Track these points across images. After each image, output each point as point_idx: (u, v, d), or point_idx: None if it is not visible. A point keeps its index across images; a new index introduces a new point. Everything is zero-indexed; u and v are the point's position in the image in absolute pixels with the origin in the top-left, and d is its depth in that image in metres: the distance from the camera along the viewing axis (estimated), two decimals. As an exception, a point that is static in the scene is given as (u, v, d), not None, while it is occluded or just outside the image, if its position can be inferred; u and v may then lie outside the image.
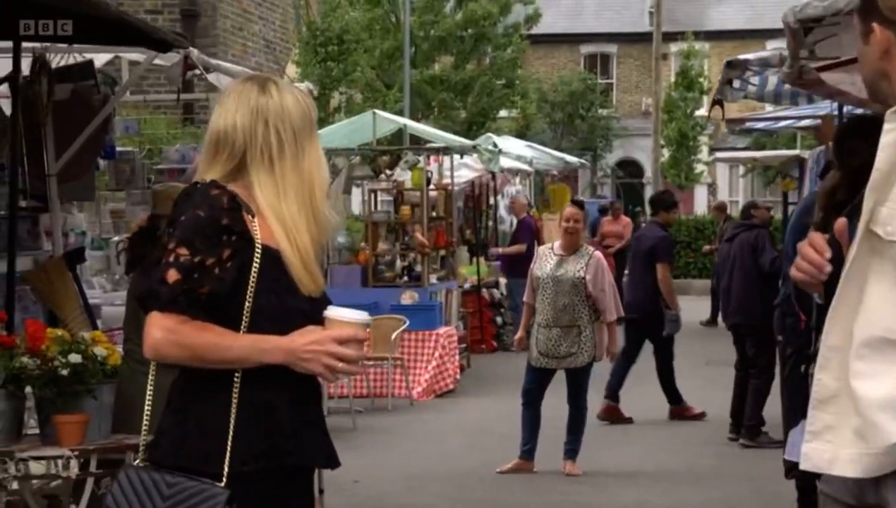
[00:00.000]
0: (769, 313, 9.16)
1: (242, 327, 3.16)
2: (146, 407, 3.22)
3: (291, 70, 20.16)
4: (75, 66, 8.11)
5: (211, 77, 7.87)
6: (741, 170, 37.03)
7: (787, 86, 8.16)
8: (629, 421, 12.36)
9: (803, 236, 3.19)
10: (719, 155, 33.01)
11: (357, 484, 9.67)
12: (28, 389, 5.49)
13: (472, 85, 29.34)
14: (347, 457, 10.76)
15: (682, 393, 12.71)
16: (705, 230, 29.29)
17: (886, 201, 2.86)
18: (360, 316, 3.21)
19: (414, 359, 14.27)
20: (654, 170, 35.68)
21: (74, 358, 5.42)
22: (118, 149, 10.26)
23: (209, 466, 3.10)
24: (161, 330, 3.10)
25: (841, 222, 3.03)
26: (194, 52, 7.32)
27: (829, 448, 2.98)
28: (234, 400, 3.13)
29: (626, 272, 24.49)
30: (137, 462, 3.23)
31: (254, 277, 3.16)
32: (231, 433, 3.11)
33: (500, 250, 19.85)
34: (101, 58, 8.77)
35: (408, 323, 13.81)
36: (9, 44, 6.95)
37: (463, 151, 16.72)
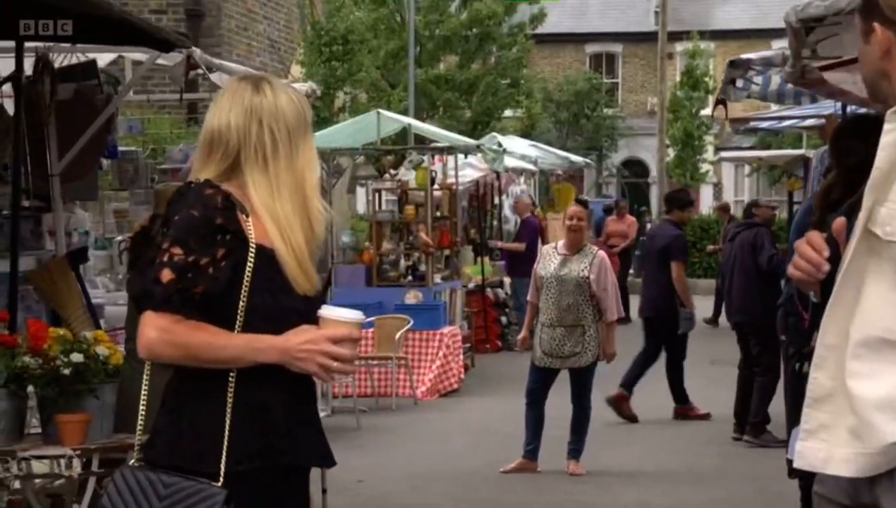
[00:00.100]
0: (771, 311, 9.16)
1: (237, 326, 3.16)
2: (141, 407, 3.23)
3: (296, 70, 20.16)
4: (78, 66, 8.11)
5: (214, 77, 7.88)
6: (746, 169, 37.02)
7: (790, 86, 8.14)
8: (633, 418, 12.36)
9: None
10: (724, 154, 32.94)
11: (361, 484, 9.67)
12: (30, 388, 5.49)
13: (477, 84, 29.31)
14: (351, 457, 10.82)
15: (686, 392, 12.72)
16: (710, 230, 29.26)
17: (885, 201, 2.86)
18: (355, 315, 3.21)
19: (418, 359, 14.27)
20: (660, 169, 35.64)
21: (76, 357, 5.42)
22: (122, 148, 10.26)
23: (204, 466, 3.10)
24: (155, 329, 3.10)
25: (839, 221, 3.02)
26: (197, 52, 7.32)
27: (823, 447, 2.99)
28: (229, 400, 3.14)
29: (632, 271, 24.66)
30: (133, 462, 3.23)
31: (248, 276, 3.16)
32: (226, 432, 3.11)
33: (500, 243, 19.84)
34: (104, 57, 8.78)
35: (412, 322, 13.81)
36: (11, 43, 6.95)
37: (467, 151, 16.72)
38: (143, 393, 3.23)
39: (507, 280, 18.96)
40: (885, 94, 3.00)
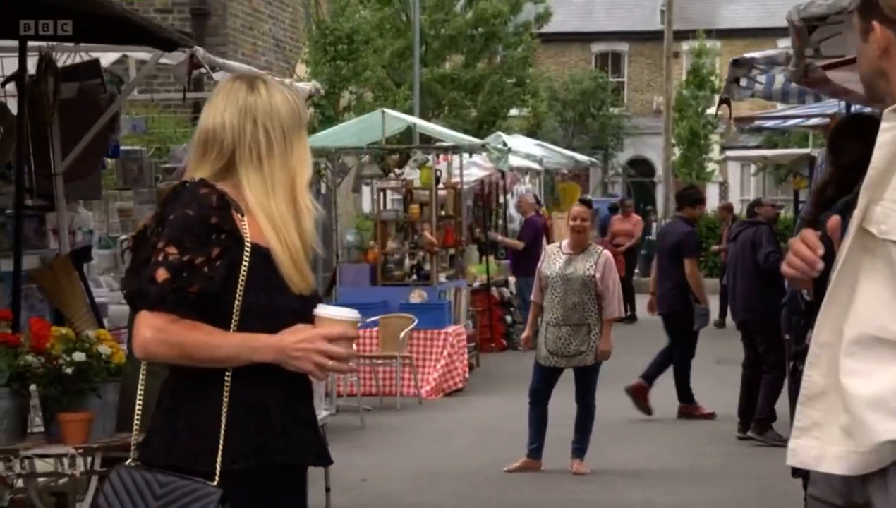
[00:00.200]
0: (774, 309, 9.15)
1: (232, 326, 3.16)
2: (137, 406, 3.23)
3: (301, 69, 20.17)
4: (81, 65, 8.11)
5: (217, 76, 7.86)
6: (752, 168, 36.97)
7: (794, 85, 8.13)
8: (648, 411, 12.38)
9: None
10: (730, 153, 32.93)
11: (365, 483, 9.68)
12: (33, 387, 5.49)
13: (483, 84, 29.30)
14: (356, 456, 10.80)
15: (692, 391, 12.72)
16: (716, 229, 29.25)
17: (881, 200, 2.86)
18: (351, 314, 3.21)
19: (423, 358, 14.27)
20: (665, 168, 35.63)
21: (79, 356, 5.42)
22: (126, 148, 10.27)
23: (200, 465, 3.10)
24: (150, 329, 3.10)
25: (833, 220, 3.02)
26: (200, 51, 7.31)
27: (816, 444, 2.99)
28: (225, 399, 3.13)
29: (637, 270, 24.64)
30: (129, 461, 3.22)
31: (243, 275, 3.16)
32: (222, 431, 3.11)
33: (499, 237, 19.82)
34: (109, 57, 8.78)
35: (416, 321, 13.81)
36: (14, 42, 6.96)
37: (472, 150, 16.71)
38: (139, 392, 3.23)
39: (511, 279, 18.95)
40: (883, 94, 3.00)
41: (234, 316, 3.16)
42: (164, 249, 3.11)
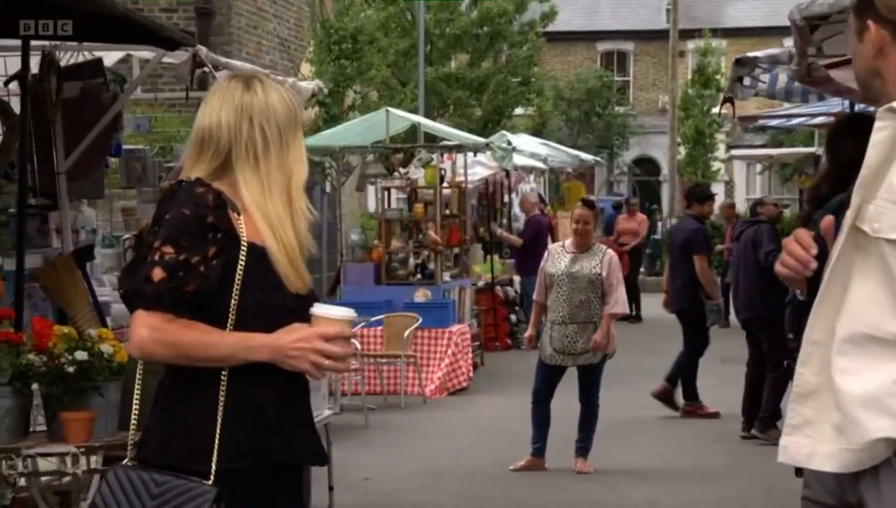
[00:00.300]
0: (778, 307, 9.16)
1: (229, 325, 3.15)
2: (134, 406, 3.23)
3: (306, 68, 20.17)
4: (84, 64, 8.12)
5: (220, 75, 7.86)
6: (758, 167, 36.94)
7: (797, 84, 8.12)
8: (677, 408, 12.42)
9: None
10: (735, 152, 32.90)
11: (368, 482, 9.68)
12: (35, 386, 5.49)
13: (488, 82, 29.28)
14: (360, 454, 10.80)
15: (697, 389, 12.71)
16: (720, 228, 29.26)
17: (874, 198, 2.86)
18: (347, 313, 3.21)
19: (427, 357, 14.27)
20: (671, 167, 35.61)
21: (81, 355, 5.42)
22: (130, 147, 10.29)
23: (196, 464, 3.10)
24: (147, 328, 3.09)
25: (827, 219, 3.03)
26: (203, 50, 7.32)
27: (807, 442, 3.00)
28: (221, 398, 3.13)
29: (643, 269, 24.63)
30: (126, 461, 3.22)
31: (240, 275, 3.15)
32: (218, 430, 3.11)
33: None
34: (113, 56, 8.79)
35: (421, 320, 13.81)
36: (17, 42, 6.96)
37: (476, 149, 16.70)
38: (136, 390, 3.23)
39: (516, 278, 18.95)
40: (878, 93, 3.00)
41: (230, 316, 3.15)
42: (160, 248, 3.11)
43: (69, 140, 7.94)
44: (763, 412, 11.10)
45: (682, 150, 35.51)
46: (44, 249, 7.91)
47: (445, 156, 17.02)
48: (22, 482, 5.79)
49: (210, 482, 3.08)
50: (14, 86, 7.67)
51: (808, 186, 5.62)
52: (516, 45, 30.64)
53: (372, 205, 22.57)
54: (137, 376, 3.25)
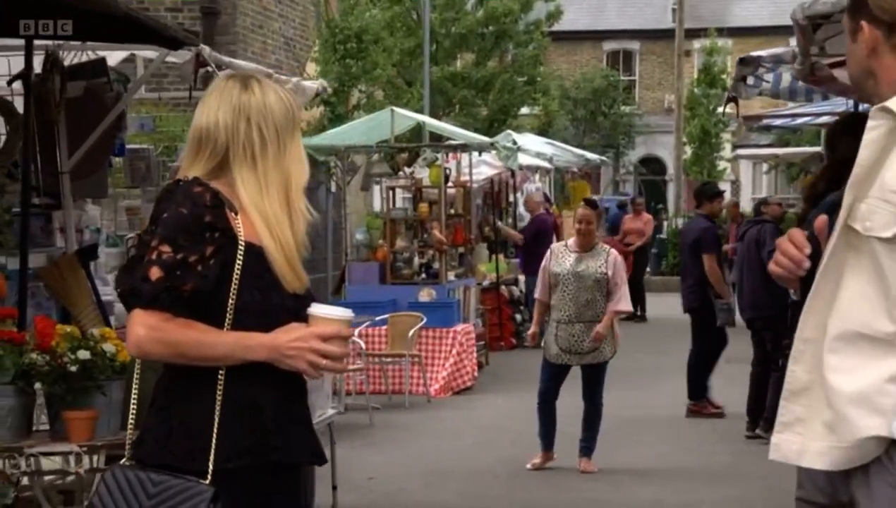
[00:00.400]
0: (782, 306, 9.14)
1: (226, 324, 3.15)
2: (132, 405, 3.23)
3: (311, 67, 20.18)
4: (88, 64, 8.13)
5: (223, 74, 7.88)
6: (764, 167, 36.92)
7: (801, 83, 8.12)
8: (720, 411, 12.42)
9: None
10: (741, 152, 32.90)
11: (372, 481, 9.68)
12: (37, 385, 5.49)
13: (494, 82, 29.29)
14: (364, 454, 10.78)
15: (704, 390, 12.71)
16: (723, 226, 29.26)
17: (866, 197, 2.87)
18: (344, 313, 3.21)
19: (431, 356, 14.27)
20: (677, 167, 35.60)
21: (83, 354, 5.42)
22: (134, 146, 10.29)
23: (194, 463, 3.09)
24: (144, 327, 3.09)
25: (820, 219, 3.03)
26: (206, 50, 7.32)
27: (798, 439, 3.01)
28: (219, 398, 3.13)
29: (649, 269, 24.60)
30: (123, 460, 3.22)
31: (237, 274, 3.15)
32: (215, 430, 3.11)
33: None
34: (117, 56, 8.80)
35: (425, 320, 13.81)
36: (20, 41, 6.97)
37: (481, 148, 16.70)
38: (133, 390, 3.24)
39: (521, 278, 18.94)
40: (871, 93, 3.01)
41: (227, 315, 3.15)
42: (157, 247, 3.11)
43: (73, 139, 7.95)
44: (768, 411, 11.09)
45: (688, 150, 35.51)
46: (47, 248, 7.92)
47: (450, 155, 17.02)
48: (25, 481, 5.80)
49: (207, 481, 3.08)
50: (18, 85, 7.68)
51: (805, 184, 5.63)
52: (522, 44, 30.64)
53: (377, 205, 22.57)
54: (135, 375, 3.26)
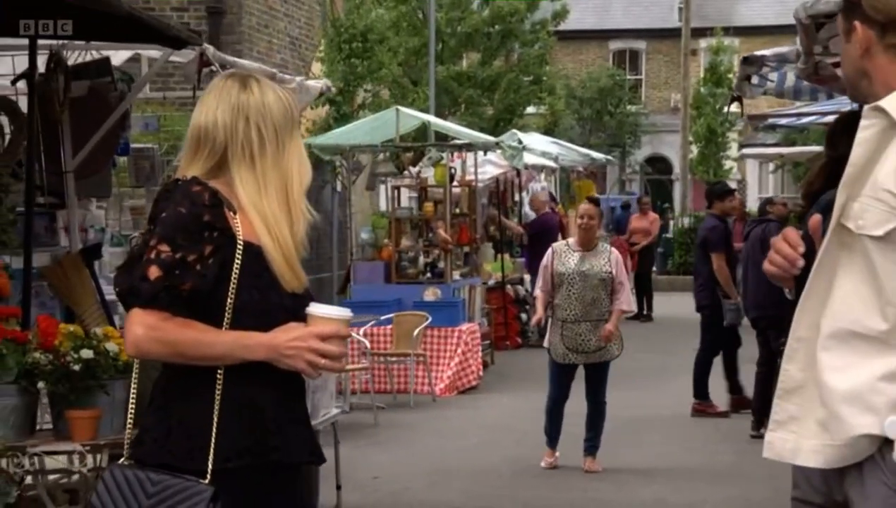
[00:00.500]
0: (787, 306, 9.12)
1: (225, 324, 3.15)
2: (130, 405, 3.23)
3: (317, 67, 20.18)
4: (92, 63, 8.14)
5: (228, 74, 7.88)
6: (771, 166, 36.86)
7: (805, 82, 8.11)
8: (742, 406, 12.42)
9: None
10: (747, 151, 32.84)
11: (377, 480, 9.68)
12: (41, 384, 5.50)
13: (499, 81, 29.27)
14: (369, 453, 10.78)
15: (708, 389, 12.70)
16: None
17: (859, 196, 2.87)
18: (343, 312, 3.21)
19: (436, 356, 14.27)
20: (683, 166, 35.57)
21: (86, 353, 5.43)
22: (138, 145, 10.31)
23: (193, 463, 3.09)
24: (142, 326, 3.09)
25: (815, 218, 3.05)
26: (210, 49, 7.33)
27: (792, 438, 3.02)
28: (217, 397, 3.13)
29: (655, 268, 24.58)
30: (122, 460, 3.22)
31: (236, 273, 3.15)
32: (214, 429, 3.11)
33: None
34: (122, 55, 8.81)
35: (430, 319, 13.82)
36: (24, 41, 6.98)
37: (486, 148, 16.70)
38: (132, 389, 3.24)
39: (526, 277, 18.94)
40: (865, 94, 3.01)
41: (226, 314, 3.15)
42: (156, 247, 3.11)
43: (76, 139, 7.96)
44: (772, 411, 11.08)
45: (695, 149, 35.47)
46: (52, 248, 7.93)
47: (455, 154, 17.01)
48: (29, 480, 5.81)
49: (207, 481, 3.08)
50: (22, 84, 7.69)
51: (803, 182, 5.62)
52: (528, 43, 30.61)
53: (382, 204, 22.58)
54: (134, 374, 3.26)
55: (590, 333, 9.80)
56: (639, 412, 12.45)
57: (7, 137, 7.81)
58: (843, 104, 11.09)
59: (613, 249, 10.22)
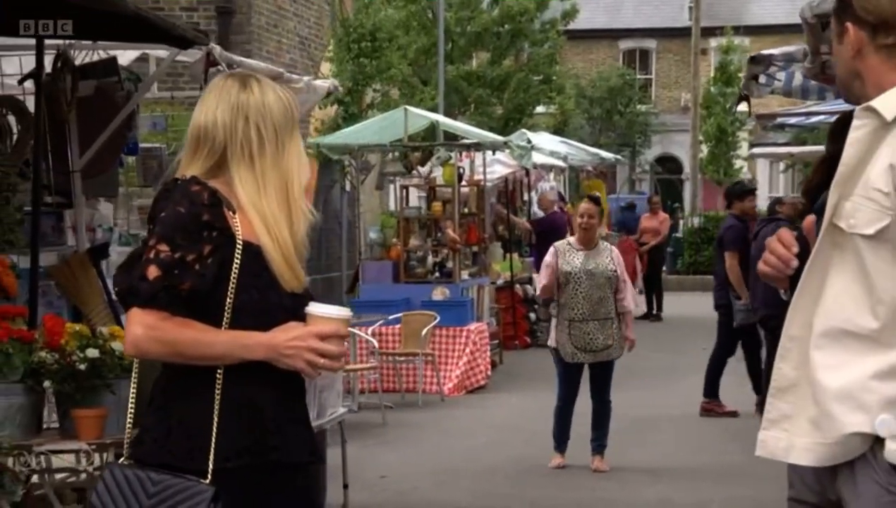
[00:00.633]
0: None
1: (224, 323, 3.16)
2: (130, 405, 3.23)
3: (326, 67, 20.19)
4: (99, 63, 8.15)
5: (235, 73, 7.87)
6: (781, 166, 36.82)
7: (813, 82, 8.10)
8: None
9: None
10: (757, 150, 32.81)
11: (385, 480, 9.68)
12: (47, 383, 5.51)
13: (509, 81, 29.26)
14: (376, 452, 10.78)
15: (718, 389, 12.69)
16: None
17: (851, 195, 2.89)
18: (342, 312, 3.21)
19: (445, 355, 14.27)
20: (693, 166, 35.53)
21: (92, 352, 5.44)
22: (146, 145, 10.31)
23: (193, 463, 3.10)
24: (142, 326, 3.10)
25: (809, 219, 3.07)
26: (216, 49, 7.33)
27: (785, 436, 3.03)
28: (217, 397, 3.13)
29: (664, 268, 24.55)
30: (122, 460, 3.23)
31: (235, 273, 3.15)
32: (214, 429, 3.11)
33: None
34: (130, 55, 8.81)
35: (439, 318, 13.81)
36: (31, 41, 6.99)
37: (495, 147, 16.69)
38: (132, 389, 3.24)
39: (535, 276, 18.91)
40: (858, 95, 3.02)
41: (225, 314, 3.15)
42: (155, 246, 3.12)
43: (84, 138, 7.97)
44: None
45: (705, 149, 35.45)
46: (59, 247, 7.94)
47: (464, 154, 17.01)
48: (35, 479, 5.82)
49: (207, 481, 3.09)
50: (29, 84, 7.70)
51: (803, 181, 5.65)
52: (537, 43, 30.60)
53: (391, 204, 22.59)
54: (134, 374, 3.26)
55: (597, 332, 9.80)
56: (648, 411, 12.43)
57: (14, 137, 7.83)
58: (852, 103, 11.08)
59: (614, 248, 10.26)
